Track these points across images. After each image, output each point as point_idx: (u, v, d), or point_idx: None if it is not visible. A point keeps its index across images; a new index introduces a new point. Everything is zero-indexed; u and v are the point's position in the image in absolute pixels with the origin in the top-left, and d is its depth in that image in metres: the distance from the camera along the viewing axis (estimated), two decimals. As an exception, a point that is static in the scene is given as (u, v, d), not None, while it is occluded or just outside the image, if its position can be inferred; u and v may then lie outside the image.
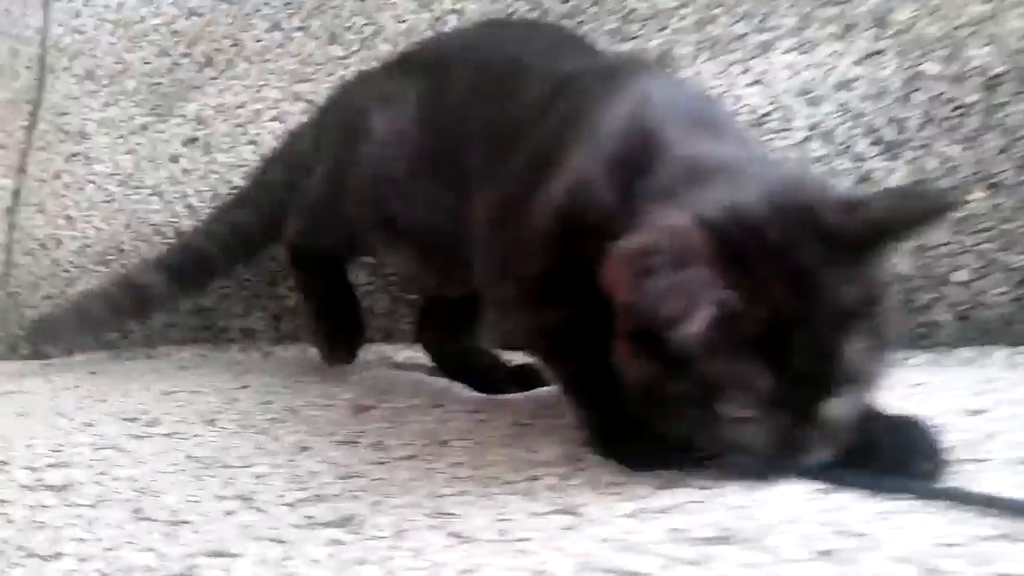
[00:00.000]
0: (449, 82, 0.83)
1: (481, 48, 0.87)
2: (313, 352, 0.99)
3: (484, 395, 0.86)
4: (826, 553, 0.42)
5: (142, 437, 0.75)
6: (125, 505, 0.58)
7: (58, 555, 0.51)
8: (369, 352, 1.02)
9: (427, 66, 0.87)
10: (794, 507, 0.48)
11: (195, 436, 0.74)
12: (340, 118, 0.94)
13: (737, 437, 0.49)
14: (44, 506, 0.60)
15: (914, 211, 0.50)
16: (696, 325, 0.45)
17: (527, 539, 0.47)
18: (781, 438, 0.49)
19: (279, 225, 0.97)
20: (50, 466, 0.68)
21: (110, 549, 0.51)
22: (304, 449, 0.68)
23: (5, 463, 0.69)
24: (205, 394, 0.89)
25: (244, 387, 0.92)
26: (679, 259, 0.46)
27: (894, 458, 0.51)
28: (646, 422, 0.53)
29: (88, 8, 1.38)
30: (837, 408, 0.49)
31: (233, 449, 0.69)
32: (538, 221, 0.62)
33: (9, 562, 0.51)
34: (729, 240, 0.47)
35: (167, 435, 0.75)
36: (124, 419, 0.81)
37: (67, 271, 1.29)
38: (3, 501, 0.61)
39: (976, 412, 0.66)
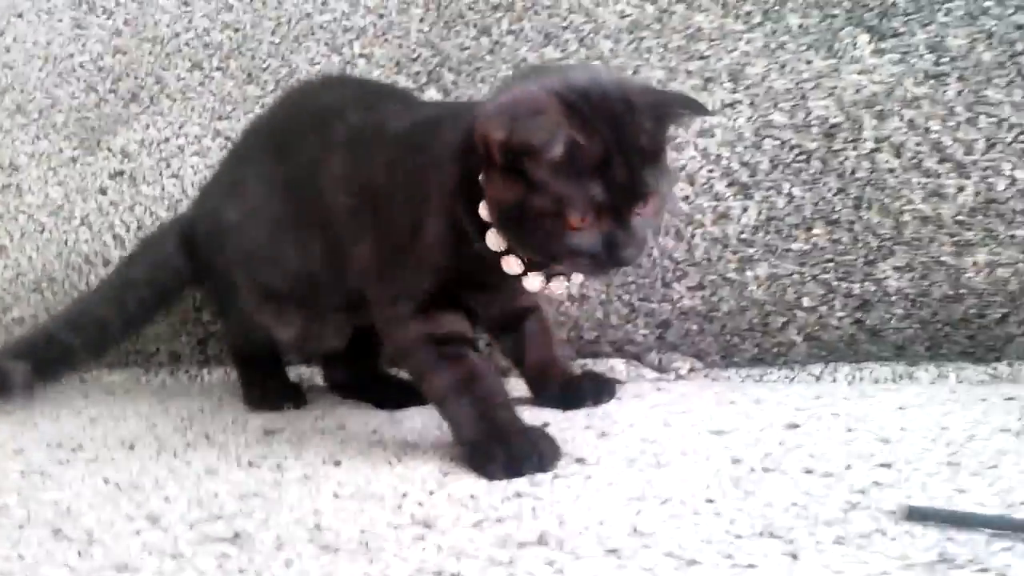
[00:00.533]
0: (292, 152, 0.93)
1: (315, 113, 0.94)
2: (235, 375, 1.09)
3: (386, 413, 0.95)
4: (613, 551, 0.54)
5: (66, 463, 0.83)
6: (47, 526, 0.66)
7: (-16, 572, 0.60)
8: (289, 374, 1.11)
9: (267, 141, 0.98)
10: (601, 512, 0.60)
11: (114, 460, 0.82)
12: (204, 229, 1.03)
13: (578, 241, 0.69)
14: (-26, 529, 0.68)
15: (681, 102, 0.76)
16: (556, 151, 0.66)
17: (381, 548, 0.57)
18: (607, 239, 0.69)
19: (139, 321, 1.08)
20: (-20, 492, 0.75)
21: (31, 565, 0.60)
22: (211, 472, 0.77)
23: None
24: (128, 420, 0.98)
25: (165, 412, 1.00)
26: (537, 109, 0.68)
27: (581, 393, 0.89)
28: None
29: (17, 44, 1.43)
30: (641, 221, 0.71)
31: (148, 473, 0.78)
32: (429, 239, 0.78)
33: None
34: (568, 101, 0.68)
35: (90, 460, 0.83)
36: (51, 445, 0.89)
37: (1, 299, 1.35)
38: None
39: (792, 426, 0.78)
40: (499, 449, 0.71)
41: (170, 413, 0.99)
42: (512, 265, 0.75)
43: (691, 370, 1.05)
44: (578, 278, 0.81)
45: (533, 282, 0.77)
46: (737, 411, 0.84)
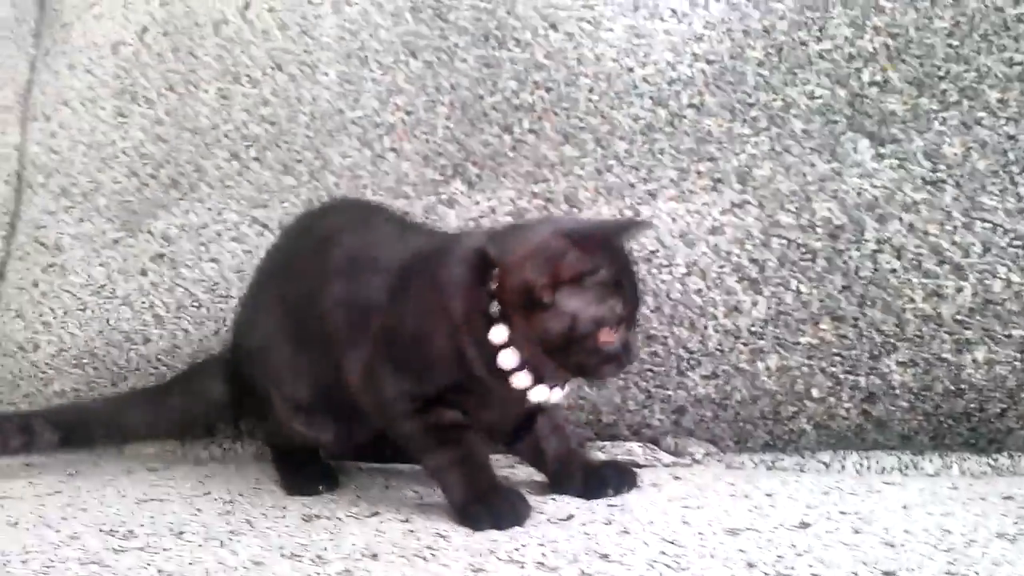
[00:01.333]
0: (297, 277, 1.03)
1: (317, 239, 1.05)
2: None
3: (416, 502, 1.01)
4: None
5: (120, 551, 0.88)
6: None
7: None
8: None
9: (278, 266, 1.09)
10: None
11: (165, 550, 0.88)
12: (237, 352, 1.13)
13: (608, 350, 0.83)
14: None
15: (636, 224, 0.99)
16: (601, 275, 0.82)
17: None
18: (626, 344, 0.85)
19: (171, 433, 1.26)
20: (43, 583, 0.81)
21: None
22: (257, 564, 0.82)
23: (5, 580, 0.82)
24: (173, 502, 1.03)
25: (207, 494, 1.06)
26: (562, 249, 0.82)
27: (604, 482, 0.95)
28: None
29: (63, 130, 1.51)
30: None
31: (198, 563, 0.83)
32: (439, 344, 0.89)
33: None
34: (575, 240, 0.82)
35: (141, 548, 0.89)
36: (103, 531, 0.94)
37: (44, 372, 1.42)
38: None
39: (803, 526, 0.83)
40: (483, 508, 0.86)
41: (212, 496, 1.05)
42: (523, 380, 0.86)
43: (706, 455, 1.11)
44: (570, 385, 0.92)
45: (539, 393, 0.88)
46: (751, 506, 0.90)
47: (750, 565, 0.73)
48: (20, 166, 1.56)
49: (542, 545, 0.81)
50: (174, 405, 1.18)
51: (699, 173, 1.13)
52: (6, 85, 1.58)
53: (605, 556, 0.77)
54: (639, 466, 1.07)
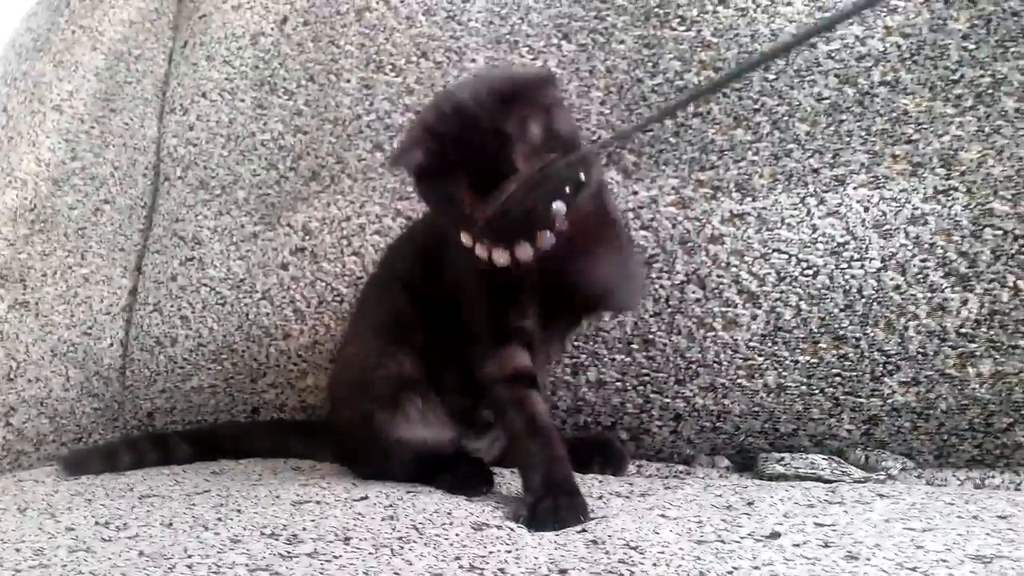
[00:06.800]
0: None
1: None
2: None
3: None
4: None
5: (288, 557, 0.83)
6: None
7: None
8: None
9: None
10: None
11: (335, 557, 0.82)
12: None
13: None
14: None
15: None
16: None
17: None
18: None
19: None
20: (213, 589, 0.77)
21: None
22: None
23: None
24: (330, 506, 0.98)
25: (364, 498, 1.00)
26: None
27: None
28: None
29: (201, 122, 1.50)
30: None
31: (373, 572, 0.78)
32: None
33: None
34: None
35: (311, 555, 0.83)
36: (265, 534, 0.89)
37: (182, 367, 1.40)
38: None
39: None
40: (552, 503, 0.85)
41: (371, 501, 0.99)
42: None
43: (902, 469, 0.99)
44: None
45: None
46: (989, 529, 0.78)
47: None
48: (157, 159, 1.56)
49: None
50: (297, 448, 1.23)
51: (895, 157, 1.02)
52: (144, 77, 1.58)
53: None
54: (825, 480, 0.97)
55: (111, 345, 1.44)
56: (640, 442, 1.10)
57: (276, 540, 0.89)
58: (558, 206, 0.81)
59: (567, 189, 0.83)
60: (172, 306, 1.43)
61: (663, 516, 0.85)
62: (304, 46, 1.42)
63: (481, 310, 0.94)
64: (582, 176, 0.85)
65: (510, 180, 0.80)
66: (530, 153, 0.81)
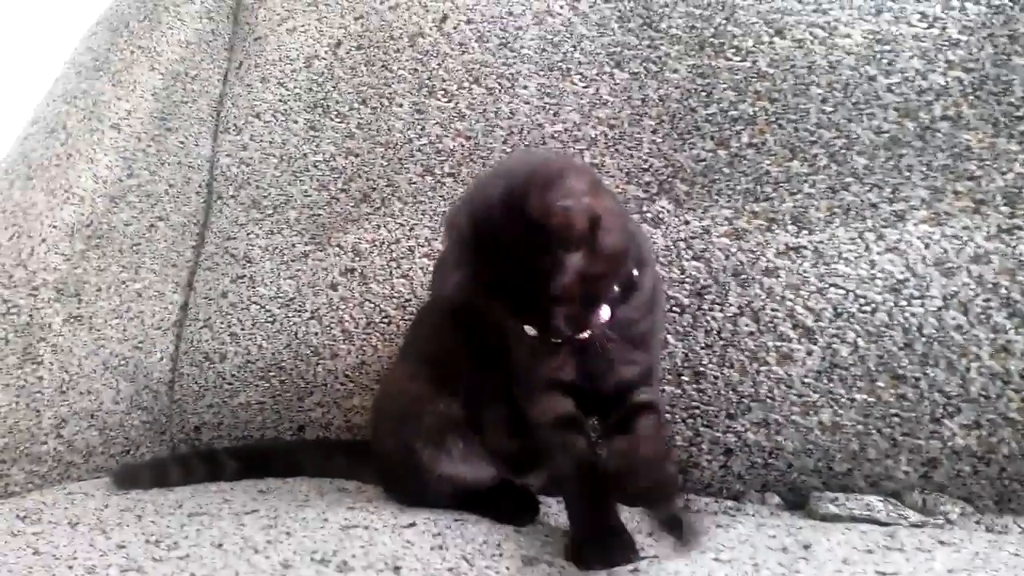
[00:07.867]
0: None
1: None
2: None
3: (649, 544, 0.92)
4: None
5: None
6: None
7: None
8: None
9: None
10: None
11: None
12: None
13: None
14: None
15: None
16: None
17: None
18: None
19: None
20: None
21: None
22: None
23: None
24: (378, 531, 0.98)
25: (412, 524, 1.00)
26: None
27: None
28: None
29: (254, 142, 1.52)
30: None
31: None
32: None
33: None
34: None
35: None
36: (316, 560, 0.90)
37: (230, 383, 1.41)
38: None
39: None
40: (600, 542, 0.85)
41: (420, 528, 0.99)
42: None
43: (961, 514, 0.97)
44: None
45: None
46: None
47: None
48: (211, 177, 1.58)
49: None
50: (342, 468, 1.23)
51: (956, 193, 1.00)
52: (200, 97, 1.60)
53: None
54: (881, 524, 0.95)
55: (161, 359, 1.46)
56: (689, 475, 1.09)
57: (326, 567, 0.89)
58: (603, 312, 0.83)
59: (616, 289, 0.85)
60: (222, 323, 1.45)
61: (716, 560, 0.84)
62: (357, 70, 1.44)
63: (522, 359, 0.94)
64: (634, 272, 0.86)
65: (552, 307, 0.81)
66: (574, 280, 0.79)
